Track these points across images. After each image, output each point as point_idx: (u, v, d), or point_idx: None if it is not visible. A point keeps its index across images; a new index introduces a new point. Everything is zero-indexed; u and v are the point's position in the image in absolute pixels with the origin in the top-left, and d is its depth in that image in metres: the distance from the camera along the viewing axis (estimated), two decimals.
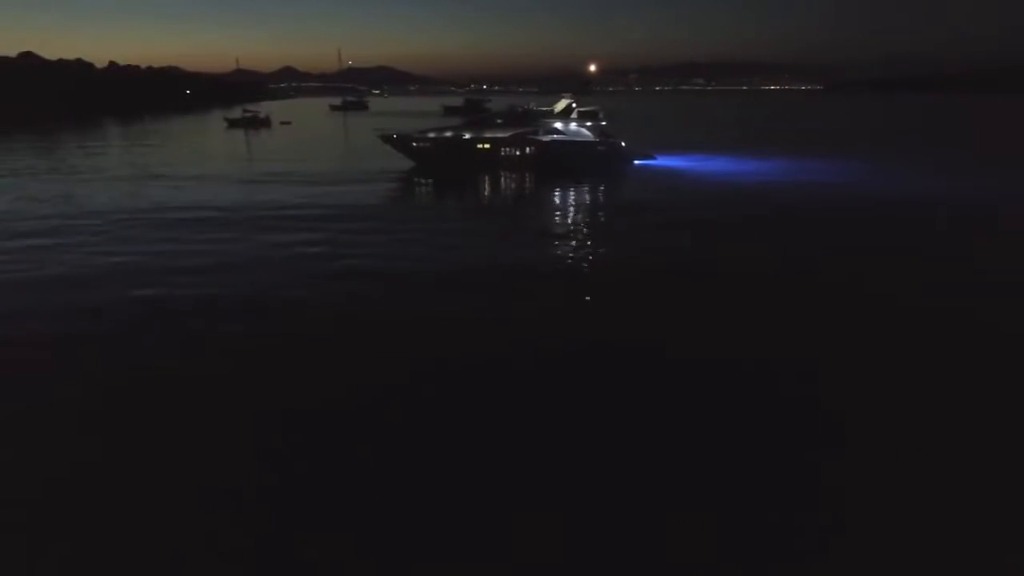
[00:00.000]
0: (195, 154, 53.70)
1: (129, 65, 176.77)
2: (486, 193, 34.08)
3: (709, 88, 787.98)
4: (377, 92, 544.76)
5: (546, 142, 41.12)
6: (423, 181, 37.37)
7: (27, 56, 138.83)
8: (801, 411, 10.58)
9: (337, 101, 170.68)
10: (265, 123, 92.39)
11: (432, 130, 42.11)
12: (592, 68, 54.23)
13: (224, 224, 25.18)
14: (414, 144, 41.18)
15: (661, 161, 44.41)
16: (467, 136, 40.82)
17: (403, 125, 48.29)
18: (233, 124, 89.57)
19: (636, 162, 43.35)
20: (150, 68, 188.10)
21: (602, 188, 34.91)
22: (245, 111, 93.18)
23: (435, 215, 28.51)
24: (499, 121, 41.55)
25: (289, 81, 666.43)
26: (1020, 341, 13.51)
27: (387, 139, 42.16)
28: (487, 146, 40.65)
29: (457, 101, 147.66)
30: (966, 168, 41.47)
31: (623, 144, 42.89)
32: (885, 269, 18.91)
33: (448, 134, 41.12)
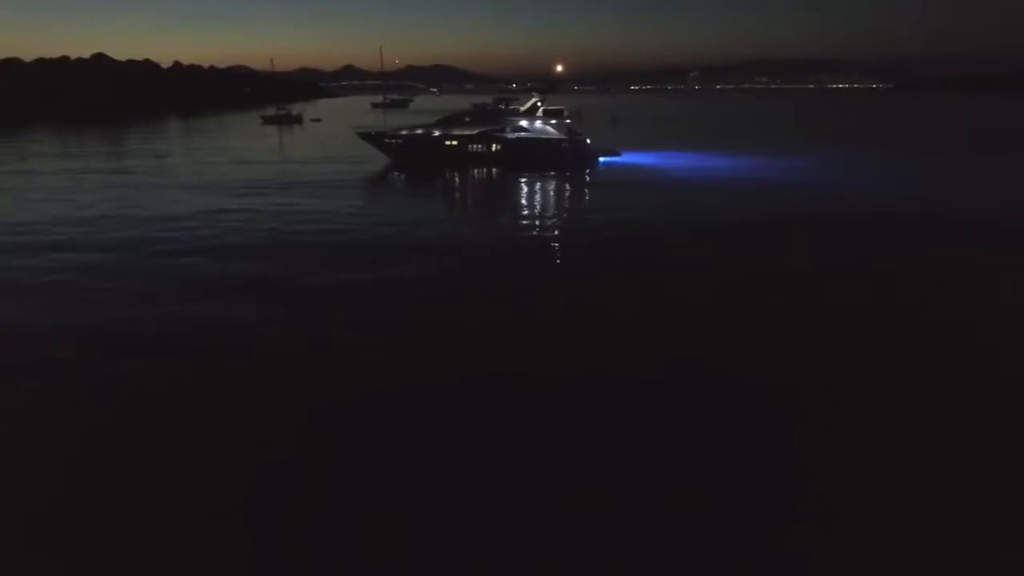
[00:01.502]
0: (221, 148, 59.12)
1: (192, 64, 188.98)
2: (441, 181, 37.25)
3: (772, 87, 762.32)
4: (434, 90, 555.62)
5: (511, 139, 43.27)
6: (397, 173, 40.95)
7: (99, 57, 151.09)
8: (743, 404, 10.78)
9: (379, 99, 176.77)
10: (296, 120, 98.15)
11: (405, 128, 45.06)
12: (559, 68, 55.92)
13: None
14: (387, 141, 44.20)
15: (626, 158, 45.83)
16: (436, 134, 43.50)
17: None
18: (267, 121, 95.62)
19: (601, 159, 44.94)
20: (212, 67, 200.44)
21: (557, 180, 37.09)
22: (279, 109, 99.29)
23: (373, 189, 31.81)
24: (467, 120, 43.98)
25: (350, 79, 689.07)
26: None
27: (365, 136, 45.37)
28: (455, 143, 43.20)
29: (487, 100, 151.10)
30: (953, 169, 40.91)
31: (588, 141, 44.58)
32: (796, 267, 19.10)
33: (419, 132, 43.92)
